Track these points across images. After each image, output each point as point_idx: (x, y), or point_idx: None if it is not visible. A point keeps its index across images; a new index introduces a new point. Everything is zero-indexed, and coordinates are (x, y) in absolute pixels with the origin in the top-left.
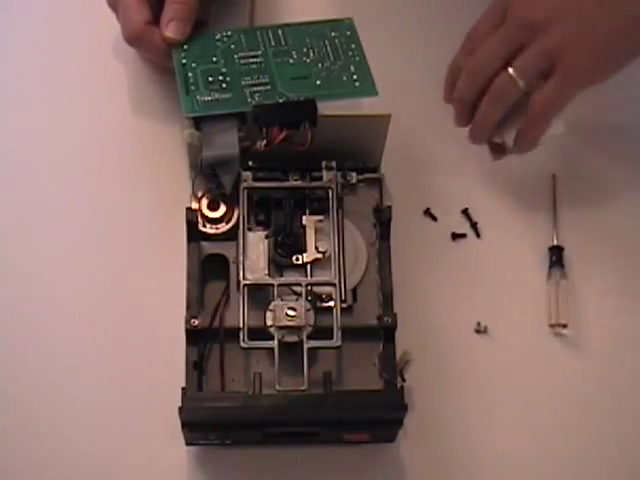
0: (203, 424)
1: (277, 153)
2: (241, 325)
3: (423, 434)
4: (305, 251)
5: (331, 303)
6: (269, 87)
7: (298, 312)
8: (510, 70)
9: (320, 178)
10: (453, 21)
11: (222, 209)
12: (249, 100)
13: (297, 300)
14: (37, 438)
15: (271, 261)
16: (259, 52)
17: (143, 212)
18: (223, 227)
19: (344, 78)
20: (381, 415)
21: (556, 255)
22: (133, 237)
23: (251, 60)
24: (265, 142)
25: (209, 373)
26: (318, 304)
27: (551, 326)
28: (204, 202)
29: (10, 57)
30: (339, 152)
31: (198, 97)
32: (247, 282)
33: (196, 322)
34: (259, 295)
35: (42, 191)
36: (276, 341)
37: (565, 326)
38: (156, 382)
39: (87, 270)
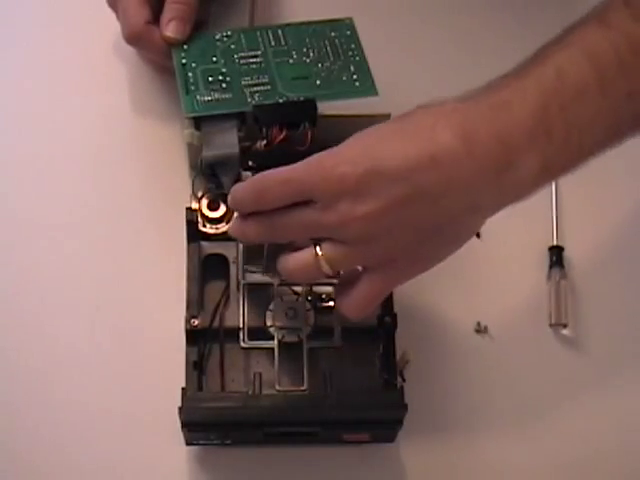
0: (203, 424)
1: (277, 153)
2: (241, 325)
3: (423, 434)
4: None
5: (331, 303)
6: (269, 87)
7: (298, 312)
8: (319, 251)
9: None
10: (453, 21)
11: (222, 209)
12: (249, 100)
13: (297, 300)
14: (36, 438)
15: None
16: (259, 52)
17: (143, 212)
18: (223, 227)
19: (344, 78)
20: (381, 415)
21: (556, 255)
22: (133, 237)
23: (251, 60)
24: (265, 142)
25: (209, 373)
26: (318, 304)
27: (551, 326)
28: (204, 202)
29: (10, 57)
30: None
31: (198, 97)
32: (247, 282)
33: (196, 322)
34: (259, 295)
35: (41, 191)
36: (276, 341)
37: (565, 326)
38: (156, 382)
39: (87, 270)
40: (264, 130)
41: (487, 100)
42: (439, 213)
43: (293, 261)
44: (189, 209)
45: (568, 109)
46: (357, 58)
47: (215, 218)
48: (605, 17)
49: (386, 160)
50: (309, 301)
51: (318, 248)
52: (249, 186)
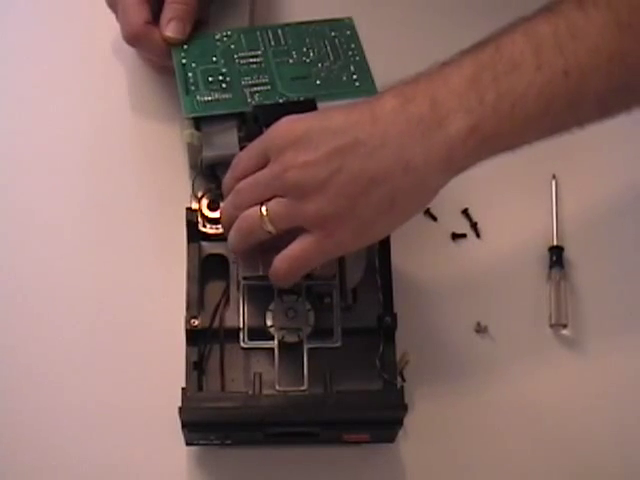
0: (203, 424)
1: None
2: (241, 325)
3: (423, 434)
4: None
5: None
6: (269, 87)
7: (298, 312)
8: (263, 210)
9: None
10: (453, 21)
11: None
12: (249, 100)
13: (297, 300)
14: (37, 438)
15: None
16: (259, 52)
17: (143, 212)
18: None
19: (344, 78)
20: (381, 415)
21: (556, 255)
22: (133, 237)
23: (251, 60)
24: None
25: (209, 373)
26: (318, 304)
27: (551, 326)
28: (204, 202)
29: (10, 57)
30: None
31: (198, 97)
32: (247, 282)
33: (196, 322)
34: (259, 295)
35: (42, 191)
36: (276, 341)
37: (565, 326)
38: (156, 382)
39: (87, 270)
40: (264, 130)
41: (430, 75)
42: (373, 165)
43: (239, 221)
44: (189, 209)
45: (501, 79)
46: (357, 58)
47: (215, 218)
48: (554, 6)
49: (333, 118)
50: (309, 301)
51: (263, 207)
52: (230, 166)
